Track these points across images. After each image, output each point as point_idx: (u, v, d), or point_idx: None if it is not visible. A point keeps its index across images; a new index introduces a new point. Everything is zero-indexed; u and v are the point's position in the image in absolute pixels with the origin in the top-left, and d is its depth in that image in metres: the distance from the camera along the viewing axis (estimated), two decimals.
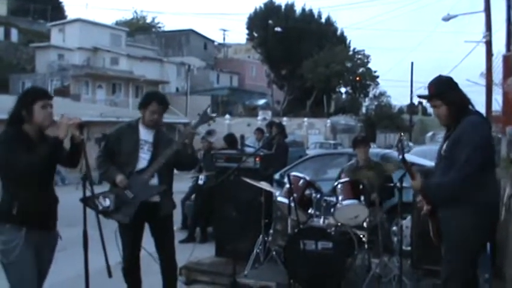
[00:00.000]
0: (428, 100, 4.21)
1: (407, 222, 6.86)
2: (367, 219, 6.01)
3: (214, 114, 5.11)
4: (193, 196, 9.86)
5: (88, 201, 3.84)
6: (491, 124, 4.34)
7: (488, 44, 21.27)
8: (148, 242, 5.01)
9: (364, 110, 59.42)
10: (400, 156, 4.09)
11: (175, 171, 5.09)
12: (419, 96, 4.49)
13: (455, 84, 4.10)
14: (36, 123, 3.80)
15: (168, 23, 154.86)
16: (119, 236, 4.89)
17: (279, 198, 6.27)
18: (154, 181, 4.84)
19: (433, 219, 4.12)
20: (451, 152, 3.92)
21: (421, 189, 4.05)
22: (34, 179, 3.74)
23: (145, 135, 4.97)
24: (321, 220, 6.09)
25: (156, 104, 4.93)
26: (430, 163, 9.32)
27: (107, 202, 4.71)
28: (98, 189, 3.88)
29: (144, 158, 4.88)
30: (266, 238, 6.53)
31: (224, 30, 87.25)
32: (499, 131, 11.07)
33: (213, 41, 67.51)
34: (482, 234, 3.96)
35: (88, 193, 3.67)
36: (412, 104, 54.10)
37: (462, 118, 3.95)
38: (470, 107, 4.07)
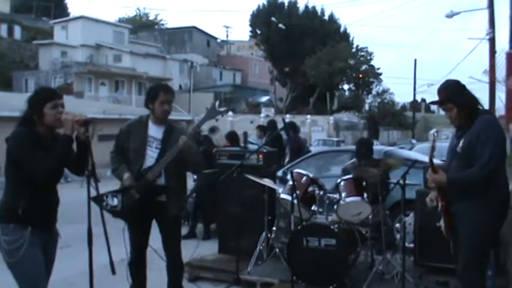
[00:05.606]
0: (440, 105, 4.34)
1: (410, 219, 6.86)
2: (370, 216, 6.02)
3: (223, 109, 4.88)
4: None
5: (97, 200, 3.84)
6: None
7: (492, 41, 21.24)
8: (154, 238, 5.00)
9: (367, 107, 59.31)
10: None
11: None
12: (432, 103, 4.65)
13: (463, 86, 4.24)
14: (47, 124, 3.74)
15: (171, 20, 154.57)
16: (126, 233, 4.83)
17: (282, 195, 6.27)
18: (161, 180, 4.74)
19: (447, 214, 4.19)
20: (469, 149, 4.02)
21: (446, 182, 4.10)
22: (44, 181, 3.70)
23: (155, 131, 4.85)
24: (324, 217, 6.11)
25: (164, 94, 4.81)
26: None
27: (115, 201, 4.66)
28: (101, 186, 3.86)
29: (151, 155, 4.76)
30: (269, 235, 6.55)
31: (227, 27, 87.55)
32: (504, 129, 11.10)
33: (216, 38, 67.50)
34: (494, 227, 4.11)
35: (93, 191, 3.66)
36: (415, 101, 54.11)
37: (475, 117, 4.08)
38: (480, 106, 4.22)
